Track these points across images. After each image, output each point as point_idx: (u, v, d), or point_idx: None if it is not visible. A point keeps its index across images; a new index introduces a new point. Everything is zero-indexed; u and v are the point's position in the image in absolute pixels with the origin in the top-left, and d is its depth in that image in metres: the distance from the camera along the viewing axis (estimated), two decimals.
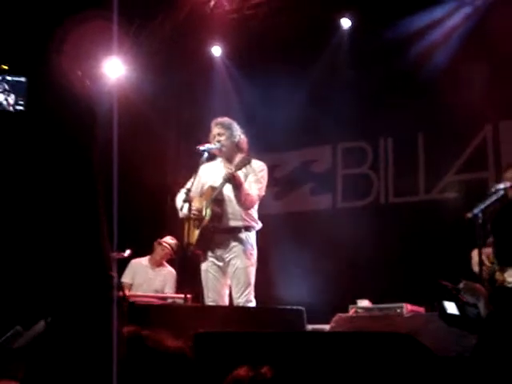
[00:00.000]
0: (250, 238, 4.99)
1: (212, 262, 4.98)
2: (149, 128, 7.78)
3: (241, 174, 5.01)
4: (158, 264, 7.06)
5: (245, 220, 4.98)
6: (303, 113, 7.85)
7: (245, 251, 4.91)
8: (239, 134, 5.10)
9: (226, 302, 4.96)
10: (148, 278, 6.95)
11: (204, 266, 5.02)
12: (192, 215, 4.87)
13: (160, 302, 5.97)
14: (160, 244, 7.02)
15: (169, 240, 7.01)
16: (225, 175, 4.86)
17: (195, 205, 4.97)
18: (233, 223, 4.96)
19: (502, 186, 4.59)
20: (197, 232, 4.94)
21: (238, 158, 5.01)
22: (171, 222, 8.18)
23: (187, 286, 4.97)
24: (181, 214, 5.04)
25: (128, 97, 7.21)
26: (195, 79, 8.39)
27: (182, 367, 1.32)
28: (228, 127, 5.07)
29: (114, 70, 7.89)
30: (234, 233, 4.95)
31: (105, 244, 1.04)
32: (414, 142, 7.49)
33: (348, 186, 7.94)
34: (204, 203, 4.98)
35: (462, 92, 6.70)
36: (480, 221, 4.33)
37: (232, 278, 4.91)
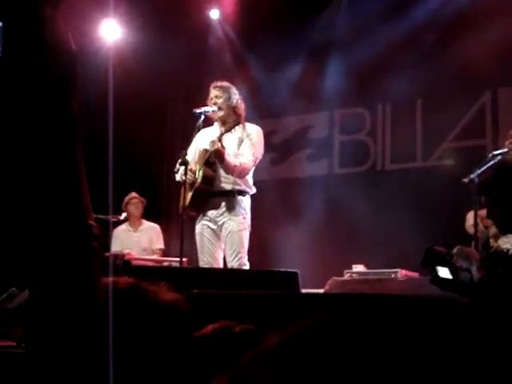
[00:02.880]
0: (244, 201, 4.98)
1: (206, 224, 4.98)
2: (146, 91, 7.72)
3: (235, 138, 4.99)
4: (138, 223, 7.02)
5: (238, 184, 4.96)
6: (301, 78, 7.81)
7: (238, 215, 4.90)
8: (237, 98, 5.06)
9: (221, 264, 4.97)
10: (133, 240, 6.93)
11: (198, 228, 5.03)
12: (187, 179, 4.86)
13: (155, 264, 5.99)
14: (128, 202, 6.94)
15: (133, 194, 6.97)
16: (209, 143, 4.79)
17: (191, 168, 4.97)
18: (226, 186, 4.95)
19: (499, 151, 4.58)
20: (190, 194, 4.93)
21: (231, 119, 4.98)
22: (168, 186, 8.19)
23: (183, 250, 4.96)
24: (177, 177, 5.05)
25: (124, 59, 7.13)
26: (193, 42, 8.31)
27: (179, 321, 1.31)
28: (226, 90, 5.03)
29: (111, 32, 7.81)
30: (227, 196, 4.94)
31: (83, 192, 1.01)
32: (412, 108, 7.46)
33: (345, 152, 7.92)
34: (197, 166, 4.97)
35: (461, 58, 6.65)
36: (476, 185, 4.32)
37: (225, 242, 4.92)
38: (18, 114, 1.11)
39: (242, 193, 4.99)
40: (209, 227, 4.97)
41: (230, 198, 4.93)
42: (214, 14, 8.31)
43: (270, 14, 7.68)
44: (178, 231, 5.59)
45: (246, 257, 4.90)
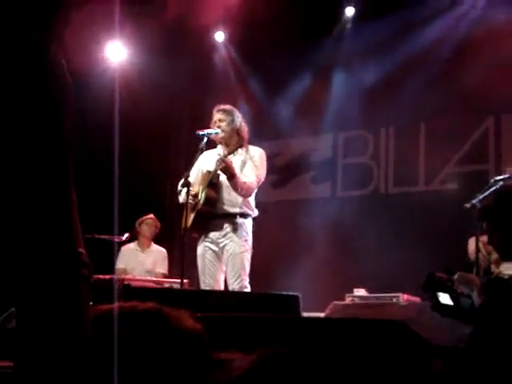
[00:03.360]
0: (246, 224, 4.99)
1: (208, 246, 4.99)
2: (150, 112, 7.76)
3: (239, 160, 5.01)
4: (146, 244, 7.10)
5: (241, 207, 4.98)
6: (304, 101, 7.84)
7: (239, 237, 4.91)
8: (240, 121, 5.09)
9: (222, 286, 4.96)
10: (139, 260, 7.00)
11: (200, 250, 5.03)
12: (189, 200, 4.88)
13: (156, 286, 5.98)
14: (142, 221, 7.06)
15: (151, 215, 7.10)
16: (217, 161, 4.84)
17: (193, 190, 4.98)
18: (228, 209, 4.97)
19: (501, 177, 4.59)
20: (192, 215, 4.95)
21: (234, 141, 5.00)
22: (171, 207, 8.20)
23: (185, 271, 4.96)
24: (180, 199, 5.07)
25: (130, 80, 7.19)
26: (197, 64, 8.36)
27: (199, 348, 1.29)
28: (229, 113, 5.07)
29: (116, 53, 7.87)
30: (229, 218, 4.95)
31: (73, 219, 1.01)
32: (415, 132, 7.48)
33: (348, 175, 7.93)
34: (200, 187, 4.98)
35: (464, 84, 6.68)
36: (478, 210, 4.33)
37: (227, 264, 4.92)
38: (9, 138, 1.12)
39: (244, 215, 5.00)
40: (210, 249, 4.97)
41: (232, 220, 4.95)
42: (219, 36, 8.37)
43: (275, 37, 7.73)
44: (180, 252, 5.59)
45: (248, 279, 4.90)
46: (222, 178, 4.96)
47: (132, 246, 7.08)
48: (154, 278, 6.42)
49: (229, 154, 4.87)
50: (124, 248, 7.00)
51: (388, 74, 7.28)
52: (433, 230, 6.72)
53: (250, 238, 4.99)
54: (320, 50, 7.79)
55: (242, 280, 4.83)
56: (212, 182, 4.93)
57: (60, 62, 1.20)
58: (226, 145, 5.06)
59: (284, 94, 7.91)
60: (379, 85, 7.34)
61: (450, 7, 7.16)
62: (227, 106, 5.13)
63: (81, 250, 1.12)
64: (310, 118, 7.86)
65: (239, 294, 4.44)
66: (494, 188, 4.48)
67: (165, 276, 6.88)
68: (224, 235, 4.94)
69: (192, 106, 8.38)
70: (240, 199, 4.98)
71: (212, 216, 4.96)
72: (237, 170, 4.96)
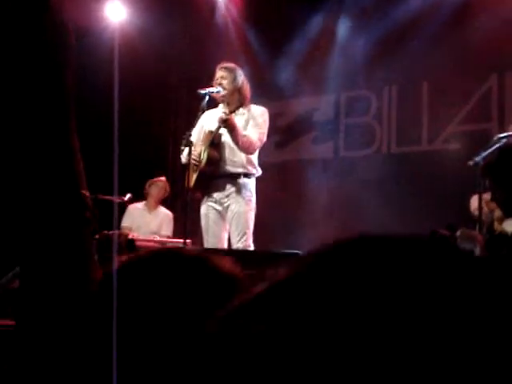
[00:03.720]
0: (249, 184, 4.99)
1: (211, 206, 4.99)
2: (150, 72, 7.70)
3: (241, 119, 4.98)
4: (154, 206, 7.15)
5: (244, 167, 4.97)
6: (306, 61, 7.77)
7: (243, 197, 4.92)
8: (242, 80, 5.04)
9: (225, 245, 4.99)
10: (145, 221, 7.04)
11: (203, 209, 5.04)
12: (192, 160, 4.86)
13: (160, 246, 6.00)
14: (152, 183, 7.11)
15: (163, 178, 7.14)
16: (218, 117, 4.82)
17: (196, 150, 4.96)
18: (231, 169, 4.96)
19: (504, 134, 4.57)
20: (194, 175, 4.94)
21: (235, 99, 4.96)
22: (173, 168, 8.19)
23: (188, 231, 4.97)
24: (182, 159, 5.05)
25: (129, 39, 7.11)
26: (197, 23, 8.27)
27: (238, 291, 1.25)
28: (231, 71, 5.02)
29: (116, 12, 7.77)
30: (232, 178, 4.95)
31: (76, 160, 1.01)
32: (418, 91, 7.42)
33: (350, 135, 7.90)
34: (202, 148, 4.96)
35: (467, 42, 6.60)
36: (481, 168, 4.32)
37: (230, 223, 4.93)
38: (14, 88, 1.12)
39: (248, 175, 4.99)
40: (214, 208, 4.98)
41: (235, 181, 4.94)
42: None
43: None
44: (182, 212, 5.59)
45: (252, 238, 4.92)
46: (225, 138, 4.94)
47: (139, 205, 7.12)
48: (159, 239, 6.45)
49: (230, 112, 4.84)
50: (131, 207, 7.03)
51: (389, 33, 7.19)
52: (436, 188, 6.72)
53: (253, 197, 5.00)
54: (322, 9, 7.69)
55: (246, 239, 4.85)
56: (214, 142, 4.91)
57: (61, 19, 1.19)
58: (228, 103, 5.03)
59: (285, 54, 7.83)
60: (381, 44, 7.26)
61: None
62: (230, 64, 5.08)
63: (84, 192, 1.11)
64: (311, 78, 7.79)
65: (241, 252, 4.46)
66: (497, 145, 4.45)
67: (169, 238, 6.92)
68: (227, 195, 4.94)
69: (192, 65, 8.31)
70: (243, 159, 4.97)
71: (215, 176, 4.95)
72: (239, 126, 4.94)
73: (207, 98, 4.92)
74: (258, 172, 5.08)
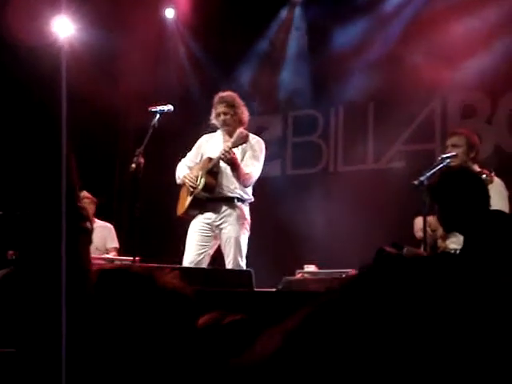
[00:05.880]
0: (243, 208, 5.10)
1: (202, 224, 5.04)
2: (98, 88, 7.64)
3: (238, 150, 5.04)
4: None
5: (238, 192, 5.08)
6: (255, 80, 7.85)
7: (237, 221, 5.01)
8: (242, 111, 5.14)
9: (205, 264, 5.02)
10: None
11: (194, 225, 5.07)
12: (188, 184, 4.95)
13: (108, 264, 5.93)
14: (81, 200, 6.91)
15: (85, 193, 6.86)
16: (222, 155, 4.88)
17: (192, 173, 5.08)
18: (227, 194, 5.07)
19: (448, 154, 4.71)
20: (189, 199, 4.98)
21: (237, 132, 5.02)
22: (120, 186, 8.13)
23: (145, 248, 5.00)
24: (178, 181, 5.22)
25: (77, 56, 7.05)
26: (147, 40, 8.26)
27: (184, 307, 1.30)
28: (232, 105, 5.12)
29: (63, 28, 7.69)
30: (227, 202, 5.06)
31: (72, 176, 1.03)
32: (364, 111, 7.57)
33: (298, 154, 7.99)
34: (200, 173, 5.01)
35: (412, 64, 6.79)
36: (425, 188, 4.44)
37: (224, 246, 5.00)
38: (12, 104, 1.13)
39: (242, 200, 5.08)
40: (205, 228, 5.02)
41: (230, 204, 5.04)
42: (169, 12, 8.29)
43: (226, 15, 7.70)
44: (129, 230, 5.53)
45: (244, 261, 4.99)
46: (222, 164, 5.03)
47: None
48: (107, 256, 6.36)
49: (233, 146, 4.90)
50: None
51: (336, 54, 7.34)
52: (381, 207, 6.84)
53: (247, 221, 5.09)
54: (271, 29, 7.81)
55: (238, 262, 4.89)
56: (212, 170, 4.97)
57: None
58: (230, 135, 5.07)
59: (235, 72, 7.89)
60: (328, 65, 7.40)
61: None
62: (229, 97, 5.17)
63: (80, 204, 1.13)
64: (260, 96, 7.87)
65: (193, 270, 4.47)
66: (440, 166, 4.59)
67: (117, 250, 6.82)
68: (221, 218, 5.02)
69: (141, 82, 8.28)
70: (238, 185, 5.07)
71: (210, 199, 5.04)
72: (238, 157, 5.03)
73: (158, 116, 4.95)
74: (251, 198, 5.17)
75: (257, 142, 5.21)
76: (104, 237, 6.87)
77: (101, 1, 7.55)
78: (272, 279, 5.37)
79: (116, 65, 8.00)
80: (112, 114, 8.46)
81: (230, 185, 5.03)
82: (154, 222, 5.94)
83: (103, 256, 6.26)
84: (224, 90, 5.30)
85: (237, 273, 3.94)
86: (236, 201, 5.04)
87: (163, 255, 5.97)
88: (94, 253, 6.44)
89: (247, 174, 5.00)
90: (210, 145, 5.18)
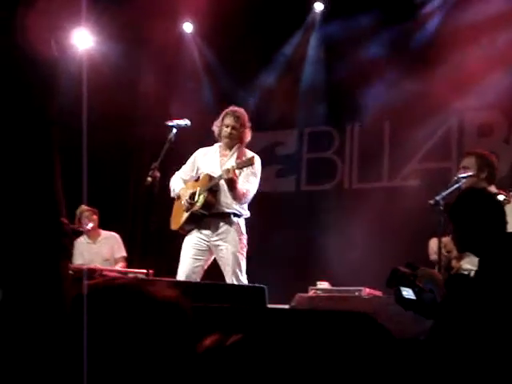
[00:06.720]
0: (240, 223, 5.07)
1: (198, 239, 5.02)
2: (115, 101, 7.68)
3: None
4: (95, 235, 6.91)
5: (235, 208, 5.06)
6: (271, 95, 7.87)
7: (234, 236, 4.99)
8: (247, 131, 5.17)
9: (198, 279, 5.01)
10: (94, 252, 6.83)
11: (190, 239, 5.05)
12: (185, 202, 4.99)
13: (122, 277, 5.94)
14: (80, 216, 6.78)
15: (83, 207, 6.76)
16: (224, 175, 4.89)
17: (188, 189, 5.07)
18: (224, 210, 5.04)
19: (464, 174, 4.68)
20: (185, 214, 4.98)
21: (248, 156, 5.03)
22: (135, 199, 8.15)
23: (159, 262, 5.00)
24: (172, 194, 5.20)
25: (96, 68, 7.10)
26: (165, 55, 8.31)
27: (176, 317, 1.29)
28: (242, 122, 5.15)
29: (83, 40, 7.78)
30: (224, 217, 5.04)
31: (57, 190, 1.03)
32: (380, 129, 7.56)
33: (313, 170, 7.99)
34: (198, 189, 5.01)
35: (429, 82, 6.78)
36: (441, 207, 4.42)
37: (223, 263, 4.98)
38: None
39: (238, 215, 5.07)
40: (200, 243, 5.01)
41: (226, 219, 5.02)
42: (187, 27, 8.34)
43: (244, 30, 7.73)
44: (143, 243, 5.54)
45: (245, 276, 4.99)
46: (222, 182, 5.01)
47: (82, 239, 6.90)
48: (117, 268, 6.36)
49: (238, 168, 4.92)
50: (76, 242, 6.74)
51: (354, 71, 7.34)
52: (396, 224, 6.81)
53: (244, 236, 5.07)
54: (289, 45, 7.83)
55: (238, 277, 4.88)
56: (213, 189, 4.97)
57: (41, 40, 1.21)
58: (230, 148, 5.09)
59: (251, 87, 7.92)
60: (345, 82, 7.41)
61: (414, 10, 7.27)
62: (241, 113, 5.18)
63: (63, 219, 1.13)
64: (276, 112, 7.89)
65: (206, 285, 4.46)
66: (457, 185, 4.57)
67: (125, 259, 6.81)
68: (218, 234, 5.00)
69: (158, 96, 8.33)
70: (236, 204, 5.06)
71: (206, 216, 5.03)
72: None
73: (175, 130, 4.96)
74: (248, 213, 5.16)
75: (255, 160, 5.17)
76: (112, 247, 6.87)
77: (119, 14, 7.61)
78: (284, 296, 5.36)
79: (133, 77, 8.05)
80: (129, 127, 8.51)
81: (228, 200, 5.01)
82: (169, 235, 5.94)
83: (116, 268, 6.28)
84: (238, 105, 5.32)
85: (250, 289, 3.94)
86: (233, 216, 5.02)
87: (177, 269, 5.96)
88: (104, 264, 6.47)
89: (244, 193, 5.00)
90: (207, 159, 5.18)
